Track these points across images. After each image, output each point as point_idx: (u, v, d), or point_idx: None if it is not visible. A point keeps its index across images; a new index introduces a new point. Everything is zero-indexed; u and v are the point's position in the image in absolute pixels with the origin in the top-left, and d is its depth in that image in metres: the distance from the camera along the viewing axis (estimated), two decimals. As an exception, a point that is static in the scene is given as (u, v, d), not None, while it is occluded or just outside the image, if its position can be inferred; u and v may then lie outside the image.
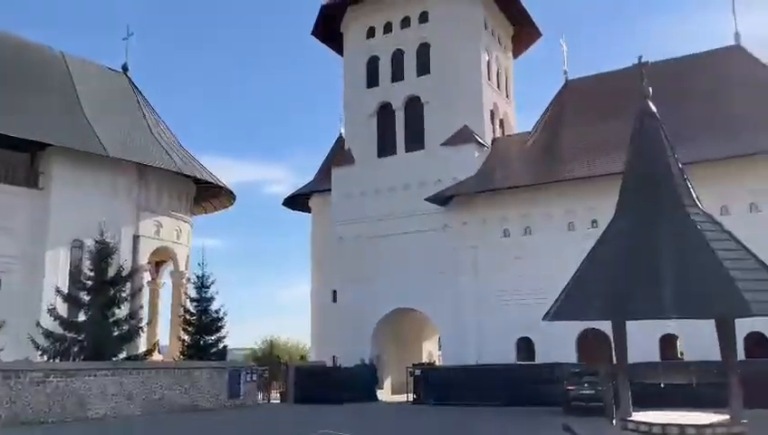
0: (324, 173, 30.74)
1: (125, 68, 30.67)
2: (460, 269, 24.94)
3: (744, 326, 18.04)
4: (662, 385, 12.53)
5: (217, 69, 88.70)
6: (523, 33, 30.87)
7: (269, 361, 29.75)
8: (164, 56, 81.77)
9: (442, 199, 25.16)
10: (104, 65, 30.24)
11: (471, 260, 24.89)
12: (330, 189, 28.65)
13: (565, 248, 20.98)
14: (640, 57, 9.75)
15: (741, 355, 18.92)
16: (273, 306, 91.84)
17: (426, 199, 24.98)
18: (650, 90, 9.23)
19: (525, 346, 23.64)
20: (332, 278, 28.29)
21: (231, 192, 30.77)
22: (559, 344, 21.70)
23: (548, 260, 22.05)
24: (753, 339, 19.50)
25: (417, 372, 23.30)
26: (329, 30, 29.97)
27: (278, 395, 25.19)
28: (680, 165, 8.92)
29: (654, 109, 9.37)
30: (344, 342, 26.08)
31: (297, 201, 33.73)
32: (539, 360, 22.56)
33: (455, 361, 23.94)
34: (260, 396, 24.26)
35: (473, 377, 21.64)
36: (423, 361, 27.77)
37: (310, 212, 32.95)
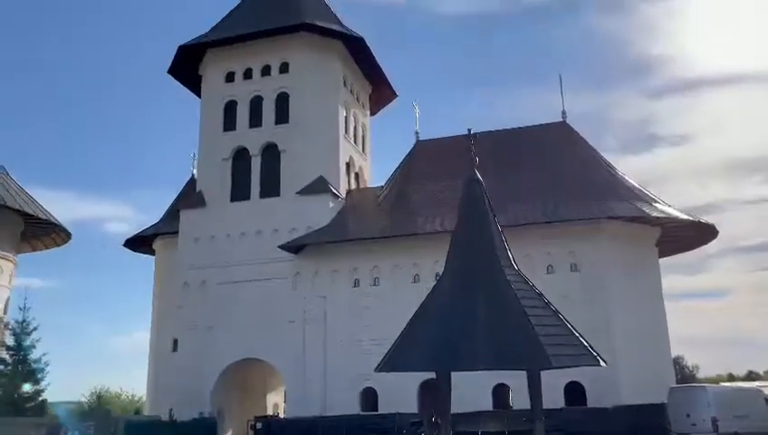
0: (172, 215, 29.46)
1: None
2: (308, 319, 24.86)
3: (563, 376, 19.91)
4: (479, 433, 13.34)
5: (64, 96, 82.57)
6: (381, 92, 32.44)
7: (97, 414, 27.24)
8: (6, 77, 74.69)
9: (295, 248, 25.16)
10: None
11: (320, 309, 24.94)
12: (176, 232, 27.47)
13: (411, 300, 21.59)
14: (470, 130, 10.80)
15: (561, 403, 20.87)
16: (107, 355, 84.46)
17: (279, 247, 24.84)
18: (477, 159, 10.20)
19: (370, 396, 23.91)
20: (174, 326, 26.83)
21: (65, 229, 28.35)
22: (401, 394, 22.22)
23: (393, 311, 22.56)
24: (572, 388, 21.39)
25: (259, 424, 22.61)
26: (187, 70, 29.37)
27: (104, 454, 23.06)
28: (500, 228, 9.87)
29: (479, 176, 10.36)
30: (183, 394, 24.63)
31: (141, 243, 31.88)
32: (382, 410, 22.87)
33: (299, 412, 23.55)
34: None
35: (315, 428, 21.43)
36: (267, 413, 26.96)
37: (154, 255, 31.28)
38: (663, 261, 25.75)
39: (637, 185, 24.99)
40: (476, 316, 7.37)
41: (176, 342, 26.74)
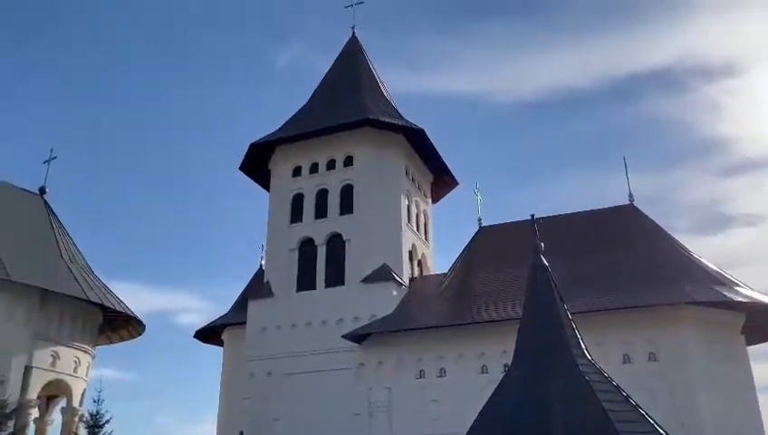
0: (240, 306, 30.12)
1: (42, 190, 29.97)
2: (373, 411, 24.26)
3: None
4: None
5: (138, 193, 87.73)
6: (442, 181, 32.94)
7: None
8: (86, 181, 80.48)
9: (358, 337, 25.01)
10: (20, 187, 29.46)
11: (385, 401, 24.35)
12: (244, 323, 27.93)
13: (479, 392, 20.90)
14: (533, 215, 10.76)
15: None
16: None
17: (342, 336, 24.76)
18: (542, 244, 10.09)
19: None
20: (241, 418, 26.71)
21: (140, 321, 29.35)
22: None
23: (461, 403, 21.86)
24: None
25: None
26: (256, 166, 30.89)
27: None
28: (570, 315, 9.53)
29: (545, 262, 10.17)
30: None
31: (210, 334, 32.53)
32: None
33: None
34: None
35: None
36: None
37: (222, 345, 31.75)
38: (752, 349, 23.95)
39: (714, 267, 23.79)
40: (548, 413, 6.98)
41: (242, 434, 26.51)
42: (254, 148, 30.00)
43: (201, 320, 66.62)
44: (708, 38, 70.57)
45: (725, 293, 21.62)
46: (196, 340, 33.51)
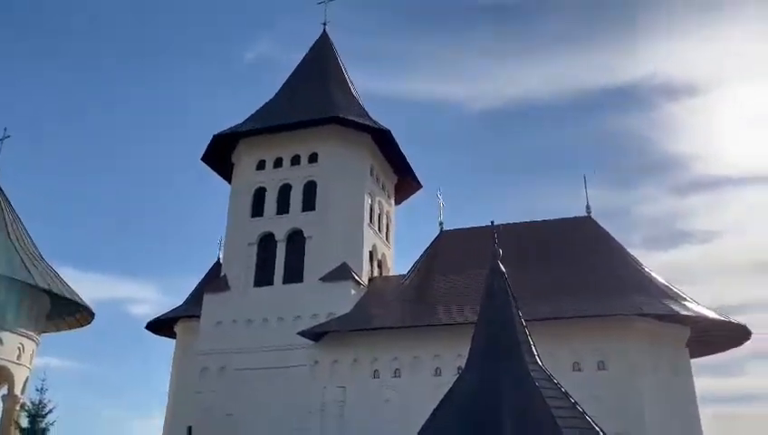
0: (195, 298, 29.61)
1: (-10, 173, 28.85)
2: (327, 409, 24.18)
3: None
4: None
5: (95, 180, 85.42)
6: (406, 183, 33.07)
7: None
8: (41, 164, 77.90)
9: (315, 335, 24.89)
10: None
11: (339, 400, 24.28)
12: (199, 316, 27.48)
13: (431, 394, 21.00)
14: (492, 221, 10.91)
15: None
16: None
17: (299, 333, 24.61)
18: (500, 251, 10.25)
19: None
20: (190, 412, 26.26)
21: (89, 309, 28.57)
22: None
23: (415, 405, 21.90)
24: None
25: None
26: (219, 158, 30.46)
27: None
28: (524, 322, 9.70)
29: (503, 268, 10.34)
30: (193, 486, 23.75)
31: (162, 325, 31.89)
32: None
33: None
34: None
35: None
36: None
37: (174, 338, 31.18)
38: (695, 362, 24.77)
39: (665, 282, 24.52)
40: (500, 419, 7.07)
41: (190, 429, 26.07)
42: (217, 139, 29.55)
43: (154, 311, 65.25)
44: (674, 59, 72.77)
45: (673, 306, 22.29)
46: (147, 331, 32.84)
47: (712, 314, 23.00)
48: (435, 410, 7.26)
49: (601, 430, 8.10)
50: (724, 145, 77.74)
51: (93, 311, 28.87)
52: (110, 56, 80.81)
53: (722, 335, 24.56)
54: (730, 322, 23.26)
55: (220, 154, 30.37)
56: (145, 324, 32.70)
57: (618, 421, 17.36)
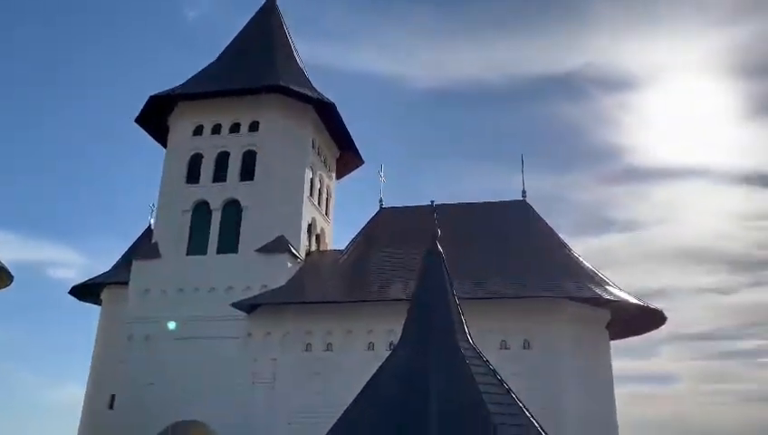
0: (124, 265, 28.63)
1: None
2: (257, 381, 24.06)
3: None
4: None
5: (23, 137, 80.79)
6: (348, 158, 32.89)
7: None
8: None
9: (248, 307, 24.61)
10: None
11: (269, 373, 24.20)
12: (127, 283, 26.62)
13: (364, 368, 21.21)
14: (432, 201, 11.03)
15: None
16: (39, 408, 79.16)
17: (232, 304, 24.26)
18: (439, 231, 10.40)
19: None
20: (113, 381, 25.56)
21: (7, 271, 27.08)
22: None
23: (347, 379, 22.10)
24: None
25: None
26: (155, 120, 29.33)
27: None
28: (457, 301, 9.92)
29: (440, 248, 10.50)
30: (115, 455, 23.23)
31: (87, 291, 30.73)
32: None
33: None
34: None
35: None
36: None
37: (100, 304, 30.13)
38: (615, 344, 26.06)
39: (590, 266, 25.56)
40: (429, 393, 7.21)
41: (113, 398, 25.42)
42: (153, 100, 28.42)
43: (79, 276, 62.75)
44: (609, 53, 75.01)
45: (597, 290, 23.31)
46: (71, 296, 31.57)
47: (632, 299, 24.22)
48: (366, 383, 7.34)
49: (524, 406, 8.41)
50: (652, 139, 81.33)
51: (12, 273, 27.40)
52: (48, 10, 75.97)
53: (640, 319, 25.93)
54: (647, 307, 24.56)
55: (156, 117, 29.23)
56: (69, 289, 31.42)
57: (540, 398, 18.10)
